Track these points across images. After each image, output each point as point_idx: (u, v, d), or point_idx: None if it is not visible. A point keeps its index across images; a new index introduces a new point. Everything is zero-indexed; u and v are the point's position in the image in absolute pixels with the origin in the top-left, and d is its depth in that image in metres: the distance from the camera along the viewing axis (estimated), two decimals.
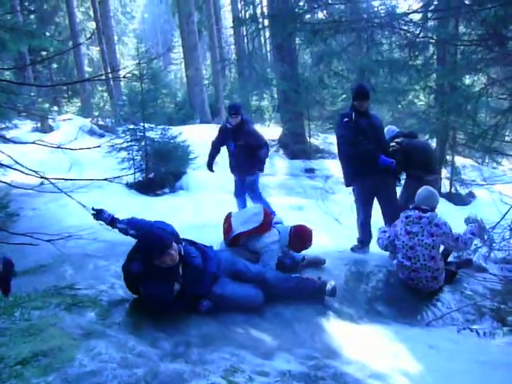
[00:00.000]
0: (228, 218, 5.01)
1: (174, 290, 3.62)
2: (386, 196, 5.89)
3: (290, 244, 4.81)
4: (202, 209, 8.35)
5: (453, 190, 12.01)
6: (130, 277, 3.71)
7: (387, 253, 5.55)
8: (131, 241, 5.40)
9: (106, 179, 4.50)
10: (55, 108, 19.37)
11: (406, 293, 4.67)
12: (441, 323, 4.24)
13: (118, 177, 4.78)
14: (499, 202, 4.26)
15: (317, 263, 5.12)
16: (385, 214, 5.95)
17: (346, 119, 5.71)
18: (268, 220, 4.84)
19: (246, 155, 6.96)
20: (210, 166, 7.45)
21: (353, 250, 5.99)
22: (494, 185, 7.83)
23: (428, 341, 3.82)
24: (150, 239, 3.66)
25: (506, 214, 3.77)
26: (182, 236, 4.17)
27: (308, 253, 5.10)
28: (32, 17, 19.82)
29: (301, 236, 4.81)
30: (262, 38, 27.59)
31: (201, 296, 3.87)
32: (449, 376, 3.26)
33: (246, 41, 25.17)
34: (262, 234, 4.72)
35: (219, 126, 7.33)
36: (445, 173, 12.33)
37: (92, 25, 25.95)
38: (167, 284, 3.60)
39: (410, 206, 4.97)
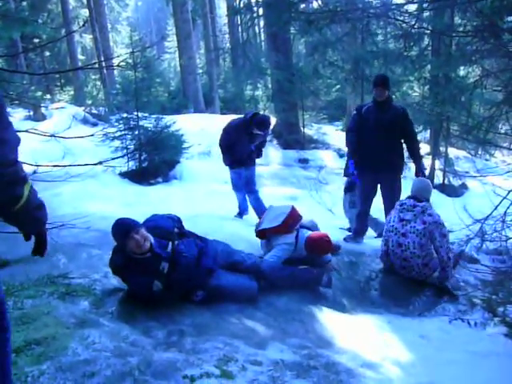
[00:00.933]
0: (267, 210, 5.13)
1: (152, 287, 3.59)
2: (387, 190, 5.91)
3: (308, 252, 4.64)
4: (194, 198, 8.34)
5: (446, 182, 12.07)
6: (114, 269, 3.72)
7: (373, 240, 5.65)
8: None
9: (99, 163, 4.49)
10: (48, 96, 19.22)
11: (399, 283, 4.70)
12: (433, 313, 4.27)
13: (113, 159, 4.78)
14: (492, 193, 4.28)
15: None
16: (385, 207, 5.98)
17: (354, 111, 5.89)
18: (290, 222, 4.72)
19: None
20: None
21: (345, 240, 6.00)
22: (487, 176, 7.86)
23: (420, 331, 3.86)
24: (115, 224, 3.69)
25: (498, 205, 3.79)
26: None
27: None
28: (24, 4, 19.53)
29: (314, 247, 4.62)
30: (257, 27, 27.47)
31: (195, 288, 3.86)
32: (440, 365, 3.30)
33: (240, 30, 25.03)
34: (281, 234, 4.67)
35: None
36: (438, 164, 12.38)
37: (85, 12, 25.68)
38: (145, 279, 3.57)
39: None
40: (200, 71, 24.99)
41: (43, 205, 1.78)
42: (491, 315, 4.12)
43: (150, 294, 3.60)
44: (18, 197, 1.59)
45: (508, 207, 3.82)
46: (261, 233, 4.92)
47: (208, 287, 3.89)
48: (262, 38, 27.77)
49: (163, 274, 3.65)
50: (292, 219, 4.74)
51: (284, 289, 4.19)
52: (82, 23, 23.11)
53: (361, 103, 11.92)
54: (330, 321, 3.87)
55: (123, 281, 3.69)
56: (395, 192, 5.87)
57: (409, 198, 4.88)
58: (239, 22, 24.90)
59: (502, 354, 3.52)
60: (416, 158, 5.89)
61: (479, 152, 15.16)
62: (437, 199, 9.74)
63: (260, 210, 6.82)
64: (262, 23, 23.63)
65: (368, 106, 5.75)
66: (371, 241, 6.12)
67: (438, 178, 12.24)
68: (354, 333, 3.71)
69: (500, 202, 3.74)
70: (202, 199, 8.44)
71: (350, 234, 6.14)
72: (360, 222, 6.10)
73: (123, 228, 3.60)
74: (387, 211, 5.90)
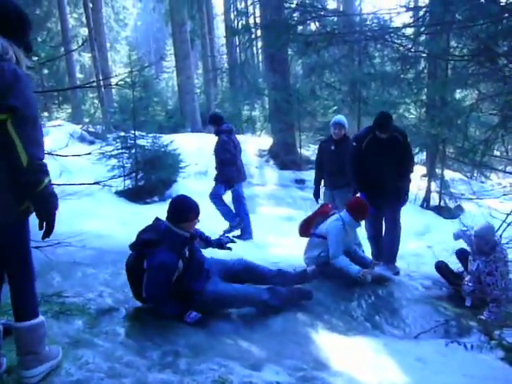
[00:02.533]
0: None
1: (178, 265, 3.75)
2: (389, 213, 5.91)
3: (353, 216, 5.15)
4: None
5: (442, 204, 12.09)
6: (140, 246, 3.80)
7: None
8: (120, 249, 5.40)
9: (97, 183, 4.49)
10: (45, 114, 19.25)
11: (396, 305, 4.68)
12: (429, 336, 4.24)
13: (110, 179, 4.79)
14: (488, 216, 4.29)
15: (380, 280, 5.31)
16: (386, 229, 5.99)
17: (354, 143, 5.86)
18: (327, 206, 5.59)
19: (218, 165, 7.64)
20: None
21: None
22: (483, 199, 7.89)
23: (416, 353, 3.81)
24: (192, 201, 4.02)
25: (499, 229, 3.79)
26: None
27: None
28: None
29: (356, 205, 5.22)
30: (255, 48, 27.74)
31: (196, 292, 3.89)
32: None
33: (238, 50, 25.32)
34: (325, 217, 5.31)
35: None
36: (434, 186, 12.42)
37: (84, 31, 25.92)
38: (175, 254, 3.74)
39: None
40: (198, 91, 25.11)
41: (56, 196, 2.40)
42: (487, 338, 4.09)
43: (172, 275, 3.73)
44: (40, 181, 2.29)
45: (504, 229, 3.82)
46: (305, 226, 5.39)
47: (206, 293, 3.91)
48: (260, 58, 28.03)
49: (185, 258, 3.85)
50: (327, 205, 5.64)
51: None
52: (81, 42, 23.22)
53: (358, 125, 11.99)
54: (326, 343, 3.84)
55: (148, 262, 3.70)
56: (398, 214, 5.91)
57: None
58: (237, 43, 25.18)
59: (499, 379, 3.47)
60: (407, 180, 5.90)
61: (475, 174, 15.25)
62: (433, 221, 9.77)
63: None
64: (259, 44, 23.83)
65: (368, 140, 5.65)
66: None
67: (434, 199, 12.27)
68: (350, 355, 3.67)
69: (500, 226, 3.74)
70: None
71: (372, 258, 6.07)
72: (375, 245, 6.09)
73: (198, 210, 3.97)
74: (387, 233, 5.90)
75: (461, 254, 5.34)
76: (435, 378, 3.44)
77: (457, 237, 5.46)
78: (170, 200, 4.10)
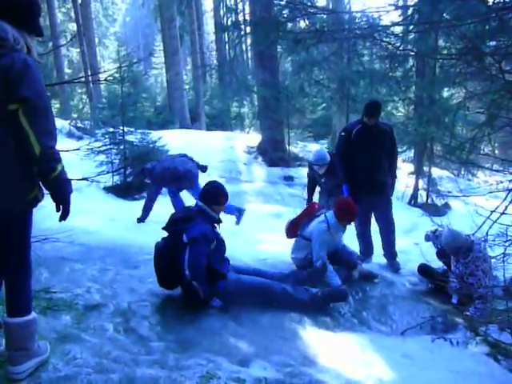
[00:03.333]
0: None
1: (214, 238, 4.10)
2: (379, 212, 5.96)
3: (339, 219, 5.05)
4: None
5: (429, 201, 12.18)
6: (178, 222, 4.15)
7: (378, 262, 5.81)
8: (108, 245, 5.40)
9: (84, 179, 4.47)
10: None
11: (383, 301, 4.71)
12: (416, 332, 4.28)
13: (98, 174, 4.76)
14: (474, 213, 4.33)
15: (368, 277, 5.31)
16: (380, 227, 6.03)
17: (342, 133, 5.92)
18: (313, 206, 5.56)
19: None
20: None
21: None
22: (469, 196, 7.98)
23: (402, 349, 3.85)
24: (224, 188, 4.42)
25: (481, 226, 3.83)
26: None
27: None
28: None
29: (343, 207, 5.09)
30: (244, 45, 27.67)
31: (222, 275, 4.14)
32: None
33: (227, 47, 25.22)
34: (312, 218, 5.28)
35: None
36: (421, 183, 12.51)
37: (73, 26, 25.71)
38: (211, 227, 4.15)
39: None
40: (187, 87, 25.06)
41: (69, 181, 2.51)
42: (473, 334, 4.14)
43: (209, 246, 4.07)
44: (53, 168, 2.37)
45: (490, 227, 3.86)
46: (292, 228, 5.39)
47: (230, 280, 4.15)
48: (249, 55, 27.99)
49: (217, 239, 4.20)
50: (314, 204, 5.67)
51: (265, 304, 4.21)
52: (69, 37, 23.11)
53: (346, 122, 12.04)
54: (314, 339, 3.86)
55: (189, 235, 3.97)
56: (389, 210, 5.93)
57: None
58: (227, 40, 25.10)
59: (484, 374, 3.52)
60: (392, 176, 5.96)
61: (462, 172, 15.38)
62: (420, 219, 9.82)
63: None
64: (249, 41, 23.81)
65: (357, 129, 5.71)
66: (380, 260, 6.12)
67: (422, 197, 12.37)
68: (338, 351, 3.70)
69: (483, 223, 3.78)
70: None
71: (360, 255, 6.09)
72: (363, 242, 6.13)
73: (227, 196, 4.41)
74: (383, 231, 5.94)
75: (441, 254, 5.40)
76: (421, 373, 3.47)
77: (427, 239, 5.55)
78: (204, 184, 4.48)
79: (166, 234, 4.31)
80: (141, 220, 7.64)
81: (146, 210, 7.65)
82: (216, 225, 4.31)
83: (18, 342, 2.56)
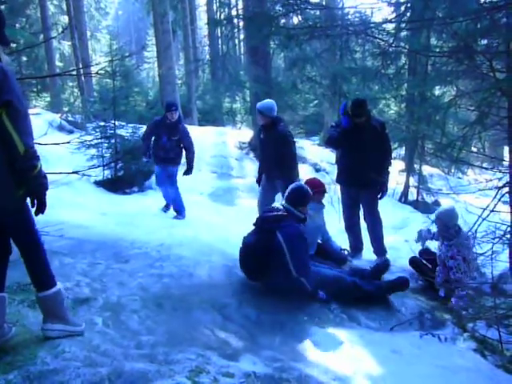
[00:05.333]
0: None
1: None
2: (366, 208, 5.99)
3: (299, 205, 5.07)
4: (170, 209, 8.29)
5: (419, 198, 12.24)
6: (271, 221, 4.43)
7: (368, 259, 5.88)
8: (99, 239, 5.38)
9: (75, 172, 4.45)
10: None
11: (372, 298, 4.74)
12: (404, 328, 4.30)
13: (89, 168, 4.75)
14: (464, 211, 4.37)
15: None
16: (367, 222, 6.09)
17: (333, 123, 6.01)
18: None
19: (175, 149, 7.94)
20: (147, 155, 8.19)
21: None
22: (459, 194, 8.02)
23: (391, 345, 3.87)
24: (308, 189, 4.73)
25: (474, 225, 3.86)
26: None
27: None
28: (2, 7, 19.31)
29: (309, 183, 5.26)
30: (237, 40, 27.62)
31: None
32: (410, 379, 3.33)
33: (220, 42, 25.17)
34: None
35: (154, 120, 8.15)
36: (412, 181, 12.56)
37: (64, 19, 25.49)
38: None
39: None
40: (179, 82, 24.95)
41: (46, 177, 2.72)
42: (461, 331, 4.18)
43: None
44: (35, 166, 2.59)
45: (479, 225, 3.89)
46: None
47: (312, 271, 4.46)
48: (242, 50, 27.93)
49: None
50: None
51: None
52: (61, 30, 22.87)
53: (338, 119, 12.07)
54: (303, 334, 3.88)
55: (286, 233, 4.33)
56: (375, 207, 5.96)
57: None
58: (219, 35, 25.04)
59: (472, 369, 3.55)
60: (385, 173, 5.93)
61: (452, 170, 15.44)
62: (411, 216, 9.88)
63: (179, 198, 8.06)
64: (242, 36, 23.76)
65: (344, 121, 5.72)
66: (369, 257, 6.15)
67: (412, 194, 12.42)
68: (327, 346, 3.72)
69: (476, 221, 3.81)
70: None
71: (349, 250, 6.11)
72: (352, 236, 6.17)
73: (310, 197, 4.76)
74: (369, 227, 5.98)
75: (424, 253, 5.49)
76: (409, 368, 3.49)
77: (420, 236, 5.60)
78: (291, 187, 4.75)
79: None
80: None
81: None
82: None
83: (50, 311, 2.94)
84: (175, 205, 8.10)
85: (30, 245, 2.88)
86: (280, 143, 5.97)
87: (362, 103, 5.66)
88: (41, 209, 2.73)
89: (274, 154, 6.06)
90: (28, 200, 2.78)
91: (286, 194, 4.69)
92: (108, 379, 2.58)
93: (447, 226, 5.00)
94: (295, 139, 6.45)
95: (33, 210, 2.73)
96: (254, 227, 4.66)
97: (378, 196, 5.91)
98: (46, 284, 2.93)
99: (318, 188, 5.38)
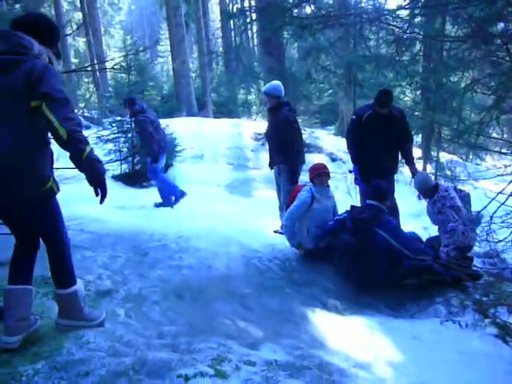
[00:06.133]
0: None
1: None
2: None
3: (312, 179, 5.52)
4: (187, 201, 8.34)
5: None
6: (371, 219, 4.83)
7: None
8: (118, 233, 5.43)
9: None
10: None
11: (391, 285, 4.73)
12: (424, 315, 4.30)
13: (106, 163, 4.77)
14: (483, 196, 4.33)
15: None
16: None
17: (353, 116, 6.00)
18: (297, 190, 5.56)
19: (142, 142, 8.59)
20: None
21: None
22: (478, 180, 7.94)
23: (411, 332, 3.87)
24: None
25: (486, 206, 3.82)
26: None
27: None
28: (17, 6, 19.46)
29: (313, 167, 5.64)
30: (250, 32, 27.53)
31: None
32: (431, 365, 3.32)
33: (233, 34, 25.09)
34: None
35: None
36: (430, 168, 12.45)
37: (78, 15, 25.67)
38: None
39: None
40: (193, 75, 24.99)
41: (101, 161, 2.67)
42: (482, 317, 4.14)
43: None
44: (83, 150, 2.56)
45: (496, 210, 3.85)
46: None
47: None
48: (255, 42, 27.84)
49: None
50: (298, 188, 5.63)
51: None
52: (75, 26, 23.06)
53: (353, 108, 11.97)
54: (323, 322, 3.89)
55: (389, 227, 4.85)
56: (392, 194, 5.95)
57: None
58: (232, 27, 24.97)
59: (492, 355, 3.54)
60: (411, 160, 5.99)
61: (470, 156, 15.27)
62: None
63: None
64: (255, 28, 23.66)
65: (368, 114, 5.74)
66: None
67: None
68: (347, 334, 3.73)
69: (488, 204, 3.77)
70: (195, 202, 8.45)
71: None
72: None
73: None
74: None
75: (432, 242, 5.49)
76: (430, 354, 3.49)
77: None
78: (372, 184, 5.18)
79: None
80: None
81: None
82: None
83: (63, 309, 2.98)
84: (160, 194, 8.24)
85: (54, 241, 2.91)
86: (282, 127, 6.00)
87: (388, 92, 5.74)
88: (104, 195, 2.71)
89: (276, 138, 6.13)
90: (57, 195, 2.84)
91: (372, 192, 5.12)
92: (132, 368, 2.61)
93: (425, 188, 5.39)
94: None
95: (97, 199, 2.70)
96: (344, 229, 5.00)
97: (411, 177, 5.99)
98: (65, 283, 2.96)
99: (315, 172, 5.49)
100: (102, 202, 2.73)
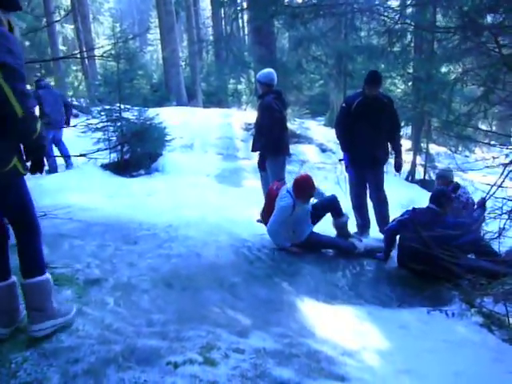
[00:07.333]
0: None
1: None
2: (372, 186, 5.99)
3: (296, 196, 5.14)
4: (177, 191, 8.32)
5: (426, 177, 12.20)
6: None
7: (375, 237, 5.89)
8: (107, 222, 5.42)
9: (82, 155, 4.47)
10: (28, 86, 18.87)
11: (380, 275, 4.77)
12: (411, 305, 4.34)
13: (96, 151, 4.78)
14: (472, 189, 4.38)
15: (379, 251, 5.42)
16: (373, 201, 6.07)
17: (343, 104, 5.93)
18: (272, 190, 5.48)
19: None
20: None
21: (353, 237, 5.85)
22: (467, 172, 8.00)
23: (399, 321, 3.91)
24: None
25: (490, 192, 3.85)
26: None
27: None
28: None
29: (299, 186, 5.18)
30: (241, 21, 27.37)
31: None
32: (417, 354, 3.35)
33: (224, 23, 24.95)
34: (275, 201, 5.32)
35: None
36: (419, 160, 12.51)
37: (67, 2, 25.36)
38: None
39: None
40: (183, 64, 24.83)
41: (46, 138, 2.65)
42: (468, 306, 4.19)
43: None
44: (35, 129, 2.52)
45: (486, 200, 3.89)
46: (267, 219, 5.33)
47: None
48: (246, 31, 27.69)
49: None
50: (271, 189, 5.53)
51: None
52: (63, 13, 22.76)
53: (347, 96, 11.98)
54: (312, 311, 3.92)
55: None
56: (381, 187, 5.96)
57: None
58: (223, 15, 24.82)
59: (478, 343, 3.59)
60: (398, 150, 5.98)
61: (460, 148, 15.35)
62: (418, 194, 9.88)
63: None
64: (246, 16, 23.52)
65: (358, 101, 5.72)
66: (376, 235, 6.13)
67: (419, 173, 12.38)
68: (335, 323, 3.76)
69: (489, 198, 3.82)
70: (184, 192, 8.43)
71: (357, 230, 6.13)
72: (359, 215, 6.14)
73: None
74: (375, 205, 5.98)
75: None
76: (416, 343, 3.53)
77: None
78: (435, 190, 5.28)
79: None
80: None
81: None
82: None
83: (33, 302, 2.73)
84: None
85: (21, 224, 2.73)
86: (263, 113, 6.05)
87: (376, 72, 5.80)
88: (37, 167, 2.69)
89: (257, 125, 6.24)
90: (26, 177, 2.72)
91: (431, 194, 5.14)
92: (122, 356, 2.64)
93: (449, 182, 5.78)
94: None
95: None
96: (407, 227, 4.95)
97: (395, 169, 6.00)
98: (34, 271, 2.74)
99: (301, 193, 5.21)
100: (34, 172, 2.71)
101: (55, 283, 3.55)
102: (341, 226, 5.58)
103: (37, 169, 2.70)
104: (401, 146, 6.08)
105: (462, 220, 5.04)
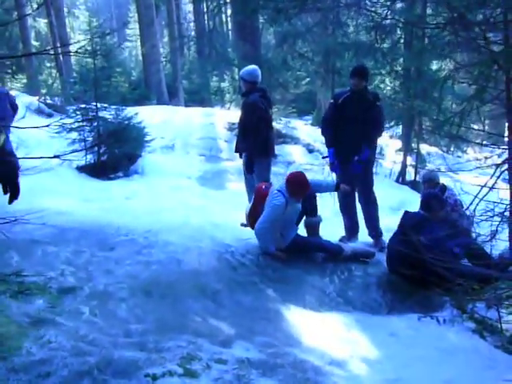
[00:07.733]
0: None
1: None
2: (361, 185, 5.82)
3: (290, 194, 4.97)
4: (158, 193, 8.17)
5: (417, 178, 12.08)
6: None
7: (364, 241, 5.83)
8: (82, 227, 5.25)
9: (56, 156, 4.25)
10: None
11: (369, 280, 4.75)
12: (401, 311, 4.30)
13: (71, 152, 4.59)
14: (461, 190, 4.31)
15: (367, 256, 5.32)
16: (361, 203, 5.89)
17: (331, 100, 5.85)
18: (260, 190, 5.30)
19: None
20: None
21: (341, 241, 5.77)
22: (458, 173, 7.96)
23: (388, 328, 3.87)
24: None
25: (471, 203, 3.76)
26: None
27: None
28: None
29: (294, 182, 5.01)
30: (224, 15, 27.20)
31: None
32: (407, 362, 3.33)
33: (206, 17, 24.71)
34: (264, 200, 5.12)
35: None
36: (410, 160, 12.42)
37: None
38: None
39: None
40: (163, 60, 24.54)
41: (14, 153, 2.38)
42: (459, 312, 4.15)
43: None
44: None
45: (477, 204, 3.80)
46: (253, 219, 5.16)
47: None
48: (229, 26, 27.54)
49: None
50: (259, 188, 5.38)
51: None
52: (36, 6, 22.19)
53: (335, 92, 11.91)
54: (298, 319, 3.85)
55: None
56: (370, 187, 5.83)
57: None
58: (205, 10, 24.57)
59: (469, 350, 3.56)
60: (369, 142, 5.72)
61: (452, 149, 15.35)
62: (408, 196, 9.81)
63: None
64: (229, 11, 23.33)
65: (345, 96, 5.60)
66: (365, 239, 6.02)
67: (410, 174, 12.27)
68: (322, 331, 3.71)
69: (473, 200, 3.72)
70: (165, 194, 8.31)
71: (345, 234, 5.97)
72: (347, 216, 5.95)
73: None
74: (364, 208, 5.84)
75: None
76: (407, 351, 3.50)
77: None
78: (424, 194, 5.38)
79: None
80: None
81: None
82: None
83: None
84: None
85: None
86: (248, 112, 5.88)
87: (362, 66, 5.85)
88: (15, 194, 2.49)
89: (241, 125, 6.09)
90: None
91: (424, 201, 5.10)
92: (97, 368, 2.58)
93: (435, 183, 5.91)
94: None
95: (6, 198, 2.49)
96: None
97: (356, 158, 5.60)
98: None
99: (299, 193, 5.07)
100: (11, 201, 2.53)
101: (26, 292, 3.43)
102: (313, 225, 5.46)
103: (12, 193, 2.50)
104: (373, 143, 5.83)
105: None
